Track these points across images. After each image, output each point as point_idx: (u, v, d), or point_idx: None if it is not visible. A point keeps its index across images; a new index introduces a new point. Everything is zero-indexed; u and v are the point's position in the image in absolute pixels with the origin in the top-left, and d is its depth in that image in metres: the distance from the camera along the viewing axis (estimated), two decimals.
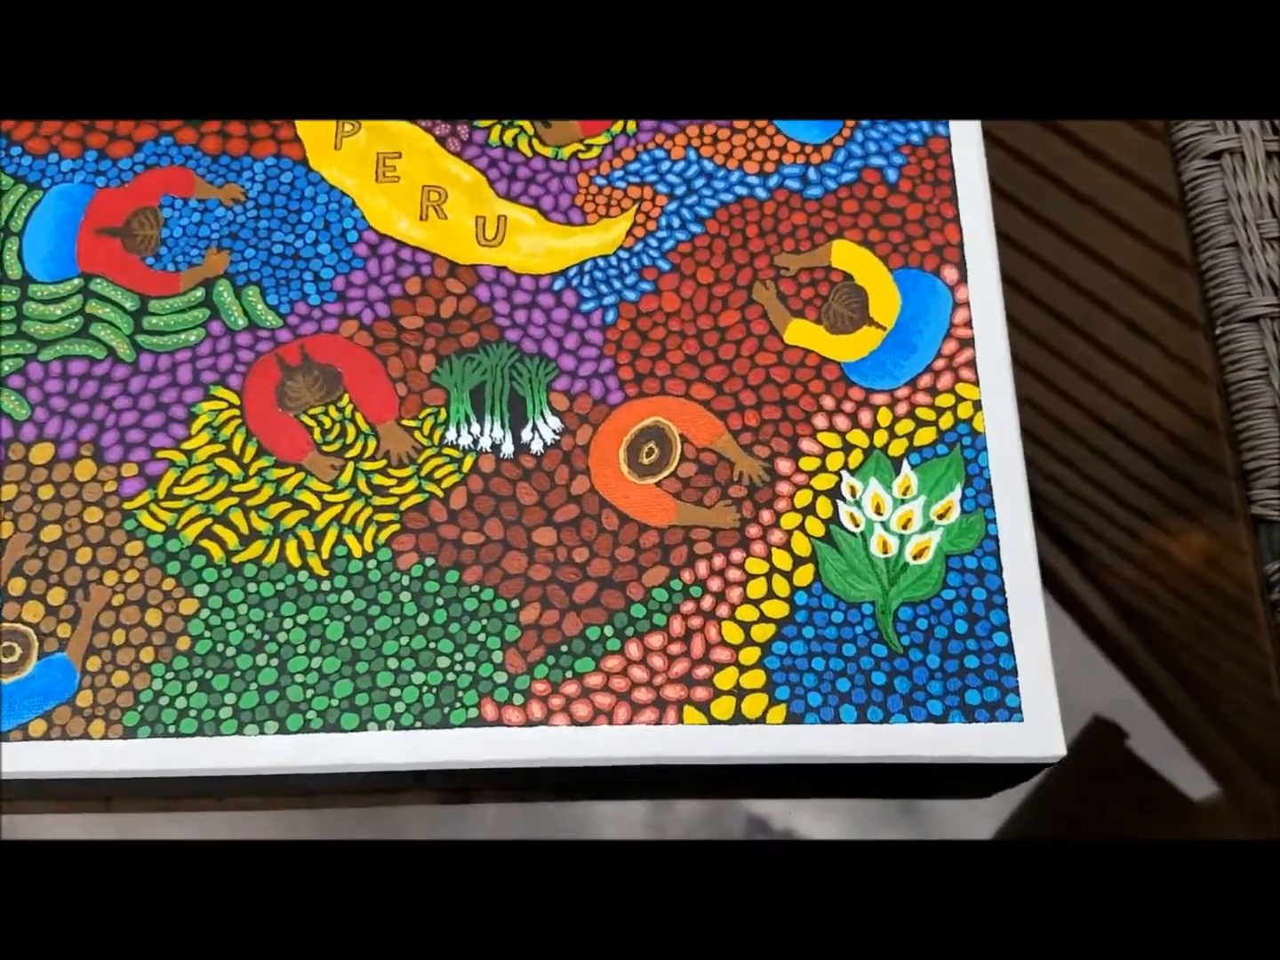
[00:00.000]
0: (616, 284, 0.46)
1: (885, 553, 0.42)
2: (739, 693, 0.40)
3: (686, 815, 0.42)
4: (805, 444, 0.43)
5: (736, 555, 0.42)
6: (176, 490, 0.43)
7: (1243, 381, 0.49)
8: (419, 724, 0.40)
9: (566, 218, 0.47)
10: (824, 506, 0.43)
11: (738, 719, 0.40)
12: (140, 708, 0.40)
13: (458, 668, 0.40)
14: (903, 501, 0.43)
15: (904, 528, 0.42)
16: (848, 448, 0.43)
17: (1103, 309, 0.51)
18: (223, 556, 0.42)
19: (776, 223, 0.47)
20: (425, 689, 0.40)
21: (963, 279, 0.46)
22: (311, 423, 0.44)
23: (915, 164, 0.48)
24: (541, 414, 0.44)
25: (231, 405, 0.44)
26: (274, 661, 0.40)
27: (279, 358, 0.45)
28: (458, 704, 0.40)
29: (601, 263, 0.46)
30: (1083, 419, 0.49)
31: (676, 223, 0.47)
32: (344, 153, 0.48)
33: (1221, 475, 0.48)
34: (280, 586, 0.41)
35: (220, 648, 0.40)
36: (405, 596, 0.41)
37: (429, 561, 0.42)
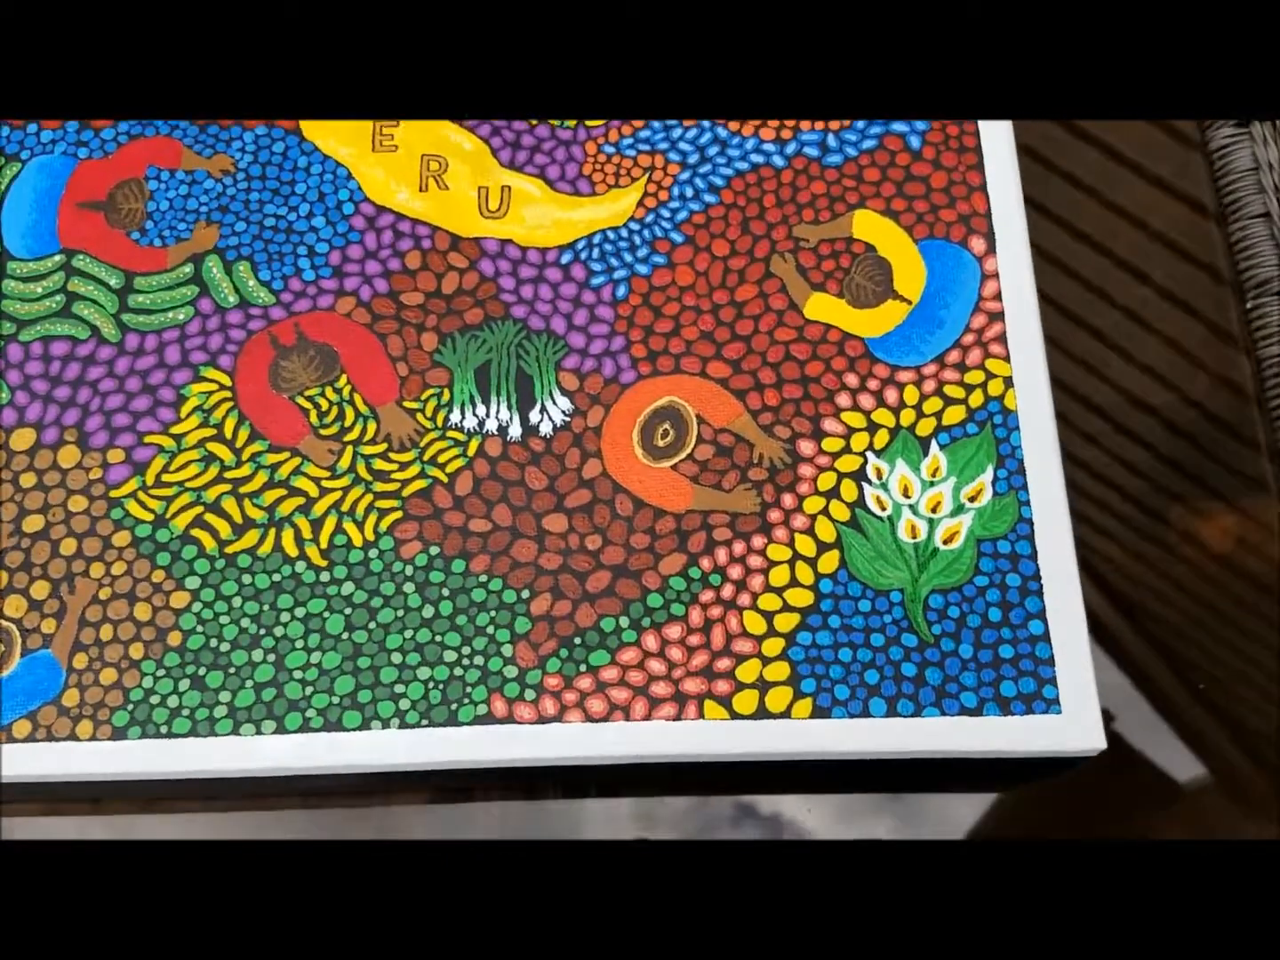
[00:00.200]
0: (627, 257, 0.44)
1: (914, 537, 0.40)
2: (762, 686, 0.38)
3: (706, 813, 0.40)
4: (828, 424, 0.41)
5: (758, 541, 0.40)
6: (165, 477, 0.40)
7: (1274, 357, 0.47)
8: (425, 722, 0.37)
9: (574, 188, 0.45)
10: (849, 489, 0.40)
11: (761, 714, 0.38)
12: (130, 707, 0.38)
13: (465, 662, 0.38)
14: (932, 484, 0.40)
15: (933, 511, 0.40)
16: (873, 428, 0.41)
17: (1135, 279, 0.49)
18: (215, 547, 0.39)
19: (795, 192, 0.45)
20: (431, 685, 0.38)
21: (991, 249, 0.44)
22: (307, 405, 0.42)
23: (939, 129, 0.45)
24: (550, 394, 0.42)
25: (223, 387, 0.42)
26: (271, 657, 0.38)
27: (272, 337, 0.42)
28: (466, 700, 0.38)
29: (611, 235, 0.44)
30: (1107, 395, 0.47)
31: (690, 192, 0.45)
32: (339, 121, 0.45)
33: (1254, 451, 0.46)
34: (276, 578, 0.39)
35: (214, 643, 0.38)
36: (409, 587, 0.39)
37: (433, 550, 0.40)
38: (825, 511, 0.40)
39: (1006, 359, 0.42)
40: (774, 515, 0.40)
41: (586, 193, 0.45)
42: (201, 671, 0.38)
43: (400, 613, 0.39)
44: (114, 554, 0.39)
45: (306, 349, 0.42)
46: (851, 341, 0.42)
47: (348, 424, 0.41)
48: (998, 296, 0.43)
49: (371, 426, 0.41)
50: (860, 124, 0.45)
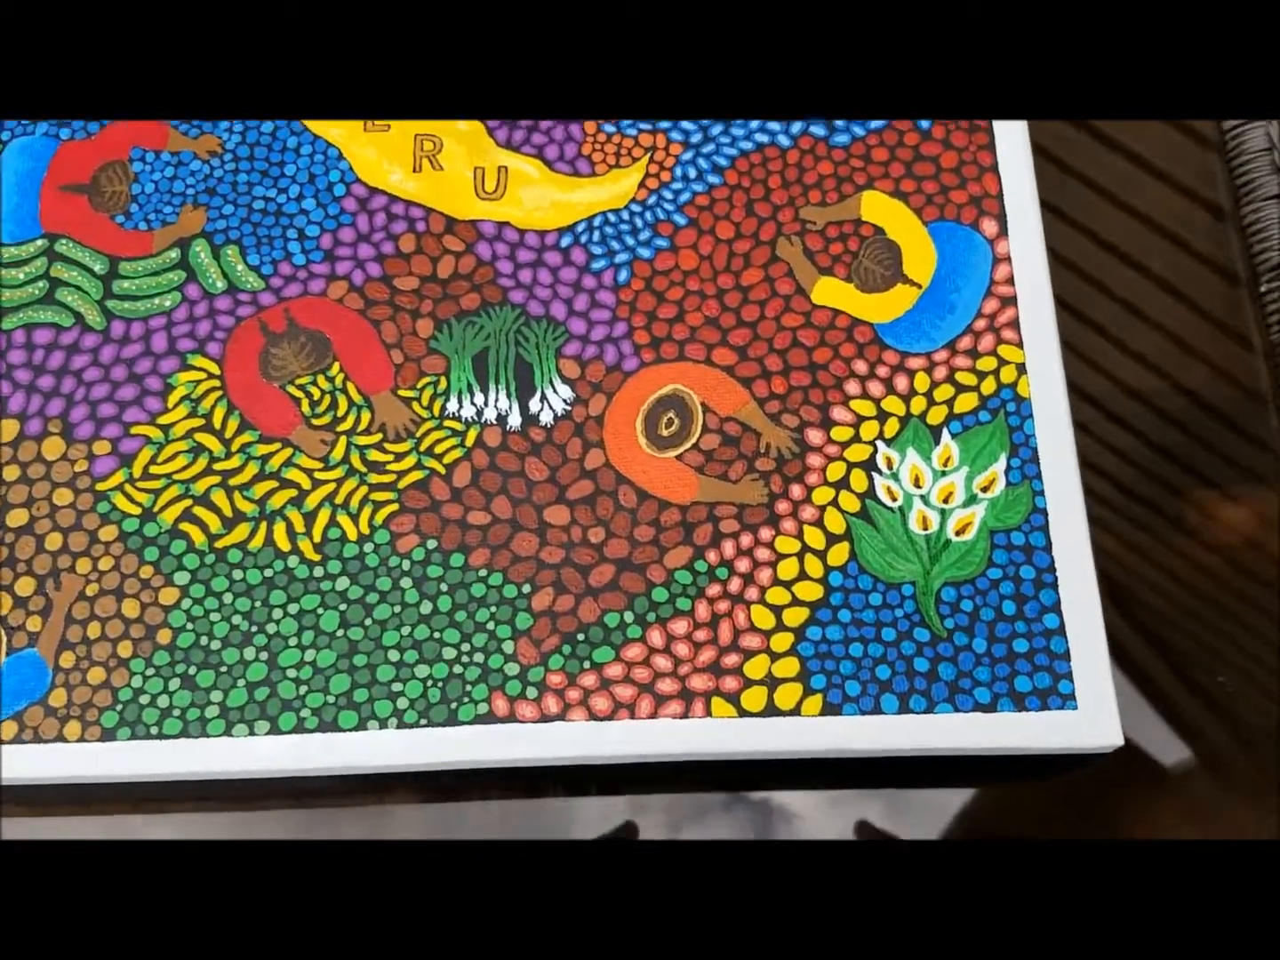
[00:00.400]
0: (629, 240, 0.42)
1: (925, 529, 0.39)
2: (771, 682, 0.37)
3: (706, 806, 0.39)
4: (837, 412, 0.40)
5: (765, 533, 0.39)
6: (153, 469, 0.39)
7: None
8: (424, 721, 0.36)
9: (573, 168, 0.43)
10: (859, 480, 0.39)
11: (770, 711, 0.36)
12: (119, 707, 0.36)
13: (465, 659, 0.37)
14: (943, 473, 0.39)
15: (945, 502, 0.39)
16: (883, 416, 0.40)
17: (1154, 284, 0.47)
18: (205, 541, 0.38)
19: (801, 172, 0.43)
20: (430, 683, 0.37)
21: (1003, 232, 0.42)
22: (299, 394, 0.40)
23: None
24: (551, 382, 0.40)
25: (211, 375, 0.40)
26: (264, 655, 0.37)
27: (262, 323, 0.41)
28: (466, 699, 0.37)
29: (612, 217, 0.43)
30: (1110, 383, 0.45)
31: (693, 173, 0.43)
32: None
33: (1264, 444, 0.45)
34: (269, 573, 0.38)
35: (204, 641, 0.37)
36: (406, 582, 0.38)
37: (431, 544, 0.38)
38: (834, 502, 0.39)
39: (1019, 345, 0.41)
40: (782, 506, 0.39)
41: (586, 173, 0.43)
42: (192, 670, 0.37)
43: (397, 609, 0.38)
44: (101, 549, 0.38)
45: (297, 336, 0.41)
46: (860, 327, 0.41)
47: (341, 414, 0.40)
48: (1010, 280, 0.42)
49: (366, 416, 0.40)
50: None
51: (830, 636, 0.37)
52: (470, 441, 0.40)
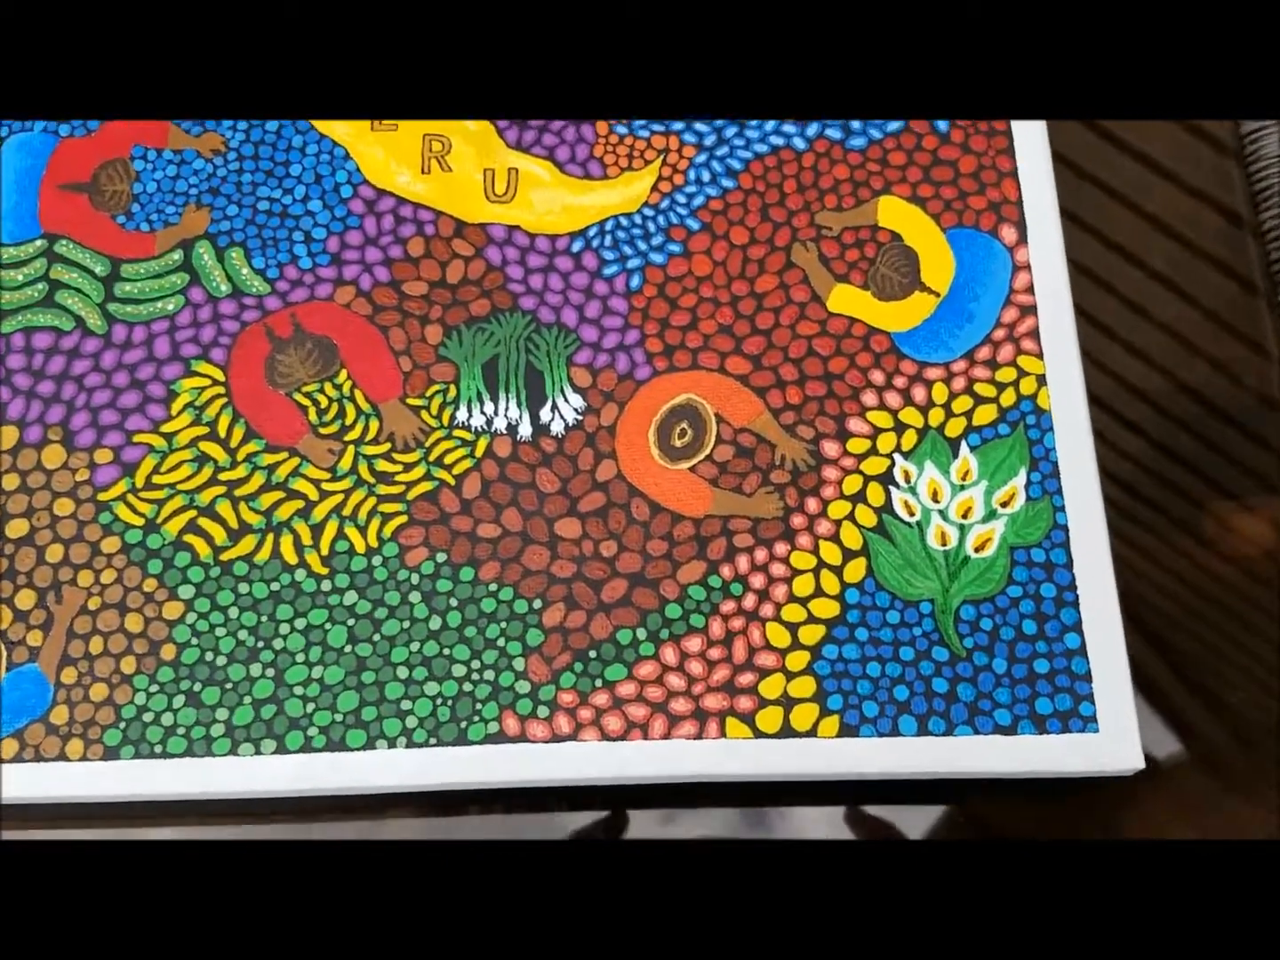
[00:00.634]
0: (641, 245, 0.41)
1: (944, 545, 0.38)
2: (786, 702, 0.36)
3: (724, 829, 0.39)
4: (853, 424, 0.39)
5: (780, 548, 0.38)
6: (156, 479, 0.38)
7: None
8: (433, 741, 0.36)
9: (584, 170, 0.42)
10: (875, 493, 0.39)
11: (786, 732, 0.36)
12: (122, 725, 0.36)
13: (475, 677, 0.36)
14: (962, 487, 0.39)
15: (964, 517, 0.38)
16: (900, 428, 0.39)
17: (1161, 278, 0.46)
18: (210, 553, 0.37)
19: (817, 176, 0.42)
20: (439, 701, 0.36)
21: (1022, 239, 0.42)
22: (306, 402, 0.39)
23: None
24: (562, 391, 0.40)
25: (216, 382, 0.39)
26: (270, 672, 0.36)
27: (268, 328, 0.40)
28: (476, 718, 0.36)
29: (624, 221, 0.42)
30: (1122, 388, 0.45)
31: (706, 176, 0.42)
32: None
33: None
34: (275, 587, 0.37)
35: (209, 656, 0.36)
36: (415, 597, 0.37)
37: (440, 557, 0.38)
38: (851, 517, 0.38)
39: (1039, 355, 0.40)
40: (797, 520, 0.38)
41: (598, 176, 0.42)
42: (197, 687, 0.36)
43: (406, 624, 0.37)
44: (103, 561, 0.37)
45: (304, 342, 0.40)
46: (877, 336, 0.40)
47: (348, 422, 0.39)
48: (1030, 289, 0.41)
49: (374, 425, 0.39)
50: None
51: (847, 655, 0.37)
52: (480, 452, 0.39)
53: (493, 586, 0.37)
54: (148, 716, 0.36)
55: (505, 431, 0.39)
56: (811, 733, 0.36)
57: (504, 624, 0.37)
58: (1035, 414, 0.39)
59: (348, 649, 0.37)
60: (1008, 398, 0.40)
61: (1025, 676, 0.36)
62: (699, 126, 0.43)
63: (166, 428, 0.39)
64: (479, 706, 0.36)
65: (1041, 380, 0.40)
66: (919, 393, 0.40)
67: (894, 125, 0.43)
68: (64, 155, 0.42)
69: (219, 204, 0.42)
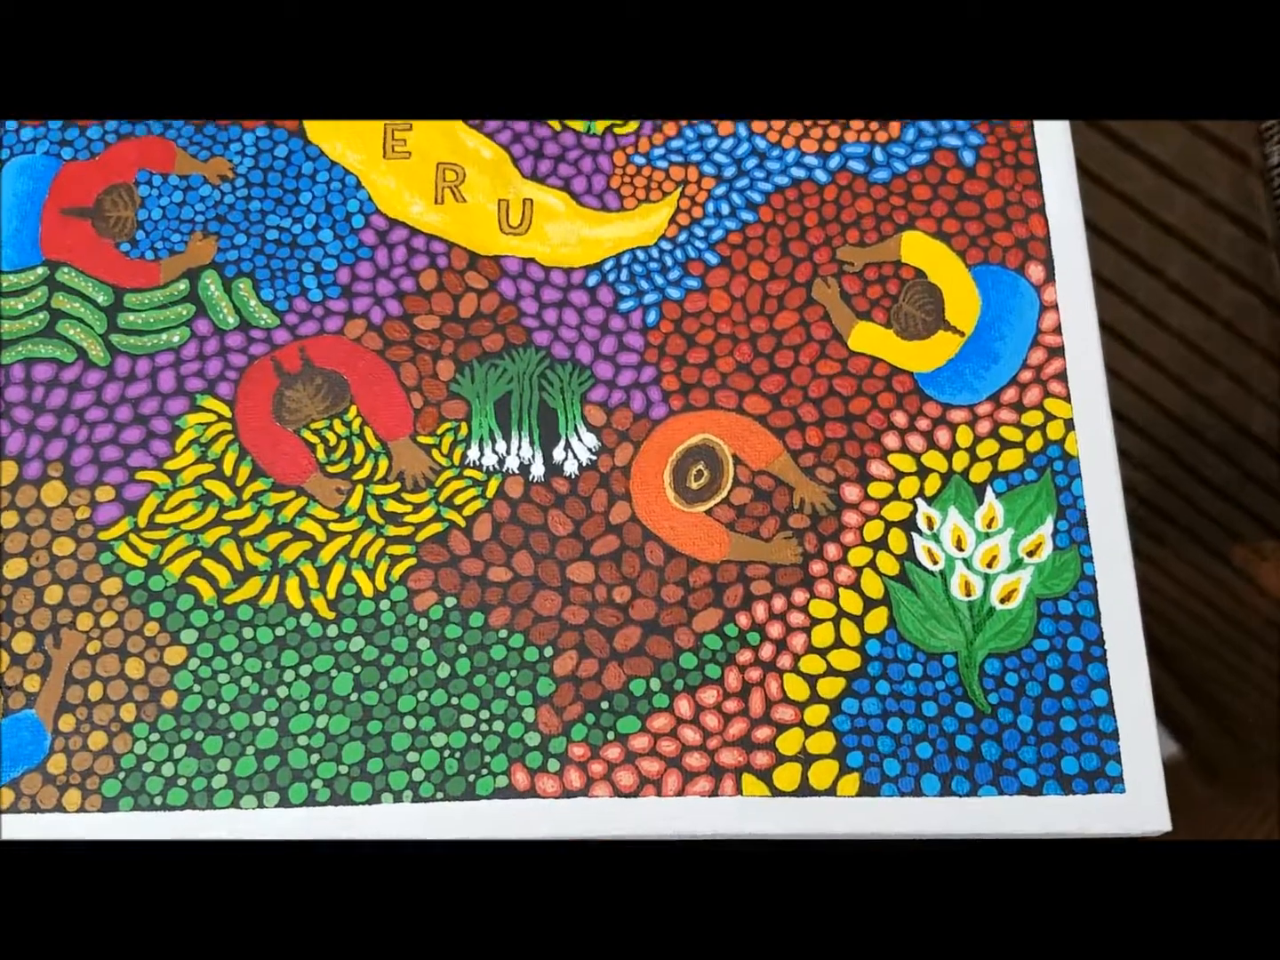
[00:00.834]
0: (658, 280, 0.40)
1: (968, 595, 0.37)
2: (805, 759, 0.35)
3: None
4: (875, 467, 0.38)
5: (799, 596, 0.37)
6: (159, 518, 0.37)
7: None
8: (440, 795, 0.35)
9: (601, 202, 0.41)
10: (898, 540, 0.38)
11: (804, 790, 0.35)
12: (121, 775, 0.35)
13: (484, 728, 0.35)
14: (987, 535, 0.38)
15: (989, 566, 0.37)
16: (923, 472, 0.38)
17: (1190, 303, 0.46)
18: (213, 596, 0.36)
19: (839, 210, 0.41)
20: (447, 753, 0.35)
21: (1050, 278, 0.40)
22: (314, 439, 0.38)
23: (994, 144, 0.42)
24: (575, 430, 0.39)
25: (222, 418, 0.38)
26: (274, 720, 0.35)
27: (276, 363, 0.39)
28: (484, 771, 0.35)
29: (641, 255, 0.41)
30: (1160, 421, 0.44)
31: (726, 209, 0.41)
32: (347, 124, 0.42)
33: None
34: (280, 631, 0.36)
35: (212, 704, 0.35)
36: (423, 643, 0.36)
37: (450, 602, 0.37)
38: (872, 564, 0.37)
39: (1067, 399, 0.39)
40: (817, 567, 0.37)
41: (614, 208, 0.41)
42: (199, 736, 0.35)
43: (414, 671, 0.36)
44: (103, 603, 0.36)
45: (313, 377, 0.39)
46: (900, 376, 0.39)
47: (358, 460, 0.38)
48: (1057, 329, 0.40)
49: (383, 463, 0.38)
50: (909, 136, 0.42)
51: (868, 710, 0.36)
52: (491, 492, 0.38)
53: (503, 633, 0.36)
54: (148, 766, 0.35)
55: (517, 471, 0.38)
56: (831, 791, 0.35)
57: (514, 672, 0.36)
58: (1063, 460, 0.38)
59: (354, 697, 0.36)
60: (1034, 442, 0.39)
61: (1052, 734, 0.35)
62: (718, 157, 0.42)
63: (171, 465, 0.38)
64: (488, 759, 0.35)
65: (1069, 425, 0.39)
66: (943, 436, 0.39)
67: (919, 158, 0.42)
68: (67, 179, 0.41)
69: (226, 232, 0.41)
